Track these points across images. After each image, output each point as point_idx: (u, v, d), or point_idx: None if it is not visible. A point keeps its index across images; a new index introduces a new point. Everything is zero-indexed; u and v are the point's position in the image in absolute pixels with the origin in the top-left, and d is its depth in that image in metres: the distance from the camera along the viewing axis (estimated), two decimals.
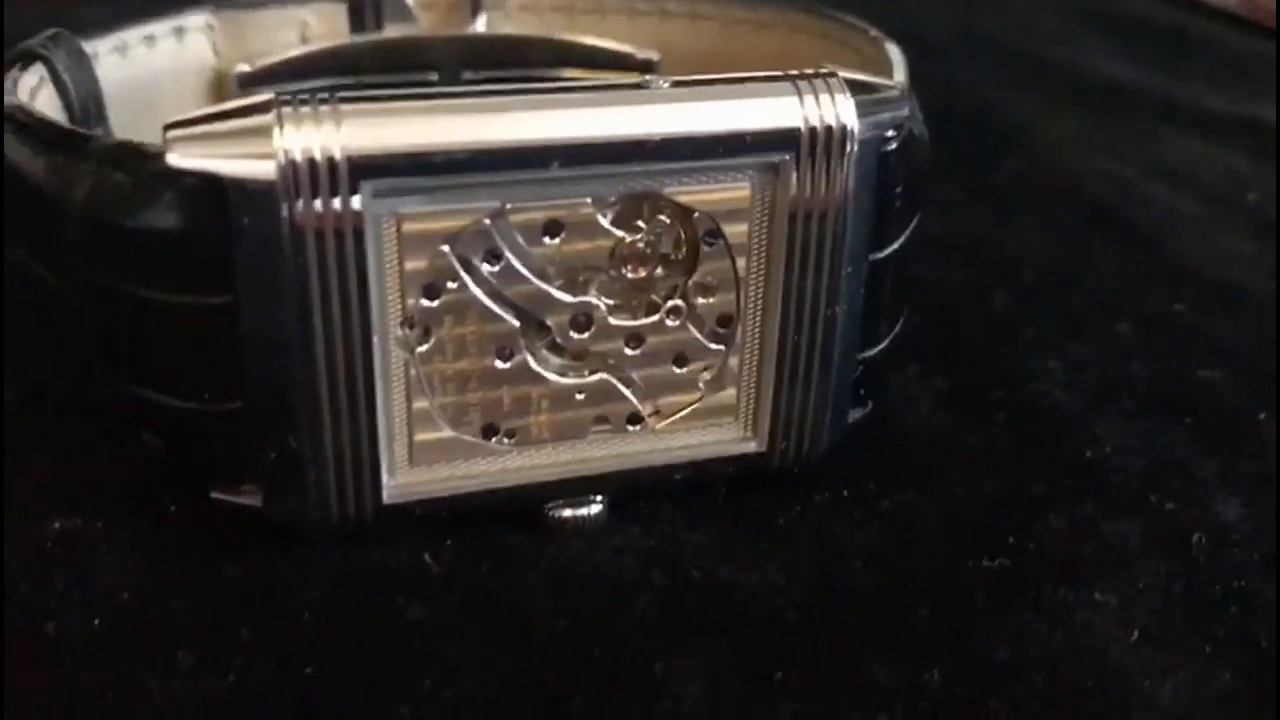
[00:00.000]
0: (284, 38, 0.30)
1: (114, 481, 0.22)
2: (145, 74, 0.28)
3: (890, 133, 0.21)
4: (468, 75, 0.31)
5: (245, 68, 0.29)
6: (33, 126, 0.21)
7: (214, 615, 0.20)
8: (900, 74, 0.25)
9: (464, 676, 0.19)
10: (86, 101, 0.25)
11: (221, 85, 0.29)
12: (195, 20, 0.29)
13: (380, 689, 0.19)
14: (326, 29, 0.30)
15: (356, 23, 0.30)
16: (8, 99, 0.22)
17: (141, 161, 0.19)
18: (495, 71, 0.31)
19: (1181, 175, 0.38)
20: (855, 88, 0.21)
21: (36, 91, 0.24)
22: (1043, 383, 0.27)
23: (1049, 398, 0.27)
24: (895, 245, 0.23)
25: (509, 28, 0.31)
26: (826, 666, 0.20)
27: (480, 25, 0.31)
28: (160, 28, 0.28)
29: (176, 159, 0.18)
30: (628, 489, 0.22)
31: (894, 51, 0.26)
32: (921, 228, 0.25)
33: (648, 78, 0.20)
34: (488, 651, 0.19)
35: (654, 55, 0.31)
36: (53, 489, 0.22)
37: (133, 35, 0.27)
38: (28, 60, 0.24)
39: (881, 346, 0.24)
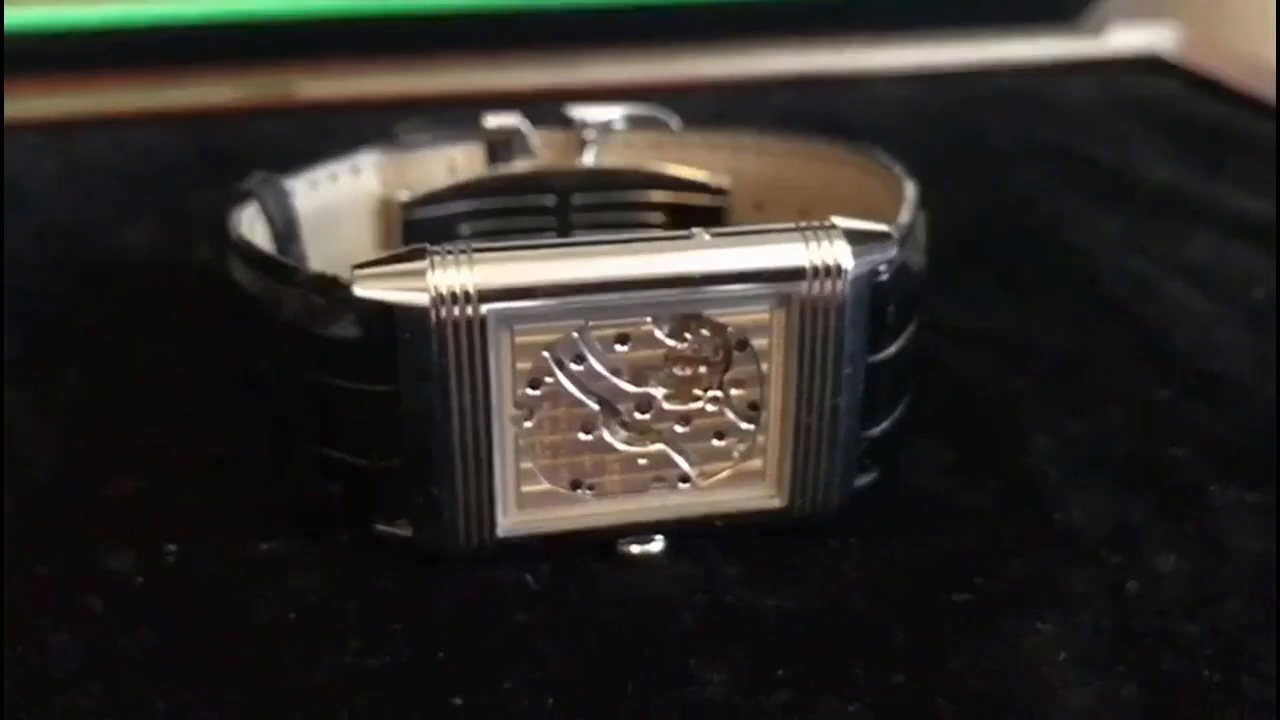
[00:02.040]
0: (436, 171, 0.38)
1: (305, 517, 0.30)
2: (330, 203, 0.36)
3: (882, 267, 0.28)
4: (577, 198, 0.38)
5: (406, 195, 0.37)
6: (254, 256, 0.29)
7: (375, 615, 0.27)
8: (906, 213, 0.31)
9: (551, 664, 0.26)
10: (287, 226, 0.34)
11: (388, 209, 0.37)
12: (367, 159, 0.37)
13: (491, 670, 0.26)
14: (469, 163, 0.38)
15: (492, 158, 0.38)
16: (233, 232, 0.30)
17: (335, 289, 0.27)
18: (598, 194, 0.38)
19: (1197, 273, 0.43)
20: (852, 235, 0.28)
21: (252, 222, 0.33)
22: (1035, 457, 0.34)
23: (1037, 469, 0.33)
24: (891, 350, 0.29)
25: (611, 159, 0.39)
26: (818, 667, 0.26)
27: (588, 158, 0.39)
28: (341, 167, 0.36)
29: (360, 290, 0.26)
30: (680, 532, 0.29)
31: (909, 188, 0.33)
32: (949, 322, 0.32)
33: (694, 230, 0.27)
34: (568, 647, 0.27)
35: (725, 181, 0.38)
36: (260, 520, 0.30)
37: (321, 173, 0.36)
38: (244, 198, 0.33)
39: (883, 426, 0.30)
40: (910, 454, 0.33)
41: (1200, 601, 0.29)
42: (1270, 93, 0.58)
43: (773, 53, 0.62)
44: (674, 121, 0.39)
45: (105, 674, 0.25)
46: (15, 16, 0.51)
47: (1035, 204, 0.48)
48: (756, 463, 0.29)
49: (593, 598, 0.28)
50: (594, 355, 0.27)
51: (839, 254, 0.27)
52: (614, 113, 0.38)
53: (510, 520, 0.28)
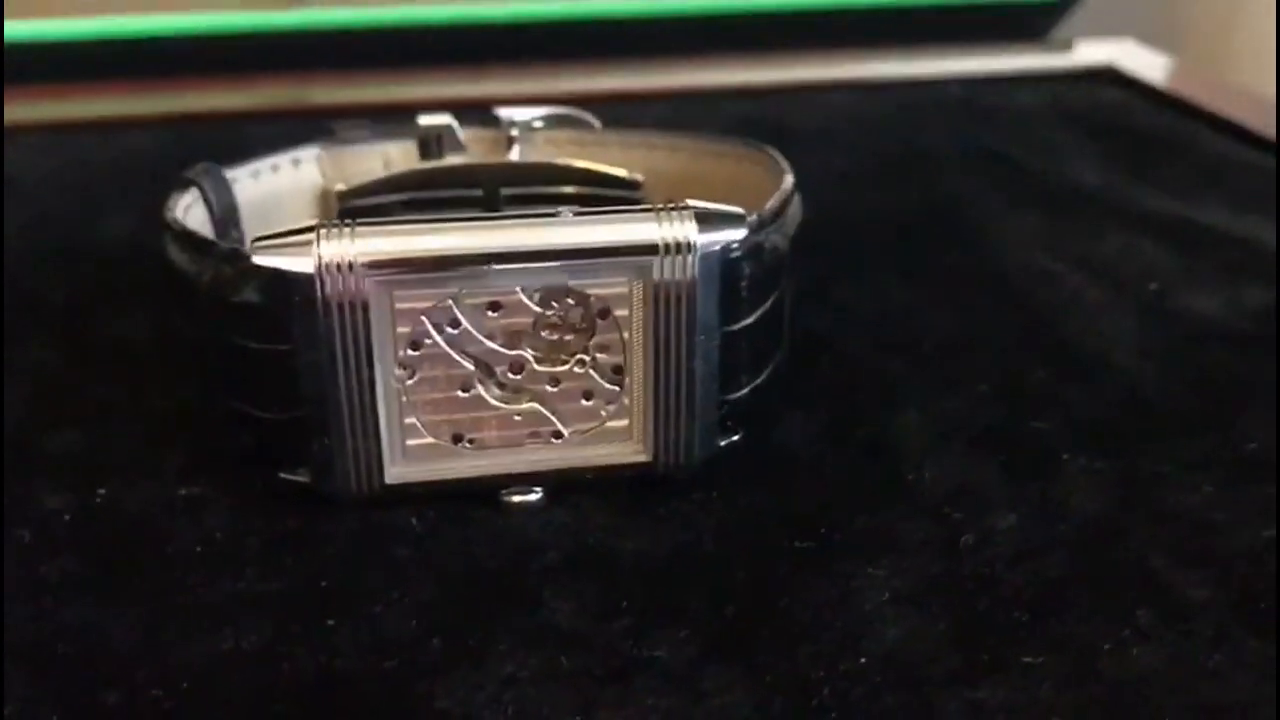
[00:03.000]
0: (371, 165, 0.41)
1: (225, 467, 0.33)
2: (271, 192, 0.40)
3: (734, 245, 0.31)
4: (504, 191, 0.42)
5: (342, 187, 0.41)
6: (181, 235, 0.33)
7: (272, 549, 0.31)
8: (775, 200, 0.34)
9: (420, 592, 0.30)
10: (226, 214, 0.38)
11: (326, 199, 0.41)
12: (308, 153, 0.41)
13: (366, 598, 0.29)
14: (403, 158, 0.42)
15: (425, 153, 0.42)
16: (167, 215, 0.34)
17: (240, 260, 0.30)
18: (522, 187, 0.42)
19: (1100, 268, 0.46)
20: (702, 216, 0.31)
21: (190, 208, 0.36)
22: (900, 427, 0.36)
23: (899, 438, 0.36)
24: (747, 321, 0.32)
25: (535, 156, 0.42)
26: (659, 601, 0.29)
27: (514, 155, 0.42)
28: (282, 159, 0.40)
29: (258, 259, 0.30)
30: (555, 484, 0.32)
31: (787, 180, 0.36)
32: (844, 309, 0.35)
33: (559, 209, 0.31)
34: (440, 579, 0.30)
35: (639, 177, 0.42)
36: (186, 469, 0.34)
37: (263, 165, 0.39)
38: (185, 185, 0.36)
39: (744, 392, 0.33)
40: (782, 422, 0.36)
41: (1027, 554, 0.31)
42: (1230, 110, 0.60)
43: (731, 64, 0.65)
44: (594, 122, 0.42)
45: (24, 595, 0.29)
46: (21, 28, 0.55)
47: (958, 205, 0.51)
48: (623, 421, 0.32)
49: (468, 539, 0.31)
50: (468, 320, 0.31)
51: (688, 232, 0.30)
52: (536, 113, 0.42)
53: (398, 470, 0.32)
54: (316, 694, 0.27)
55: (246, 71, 0.60)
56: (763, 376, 0.34)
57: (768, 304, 0.33)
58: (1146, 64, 0.68)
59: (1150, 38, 0.73)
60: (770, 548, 0.31)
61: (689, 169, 0.42)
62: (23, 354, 0.38)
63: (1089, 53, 0.70)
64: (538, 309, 0.31)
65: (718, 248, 0.31)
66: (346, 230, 0.30)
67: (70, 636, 0.28)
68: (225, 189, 0.38)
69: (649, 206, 0.31)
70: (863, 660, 0.28)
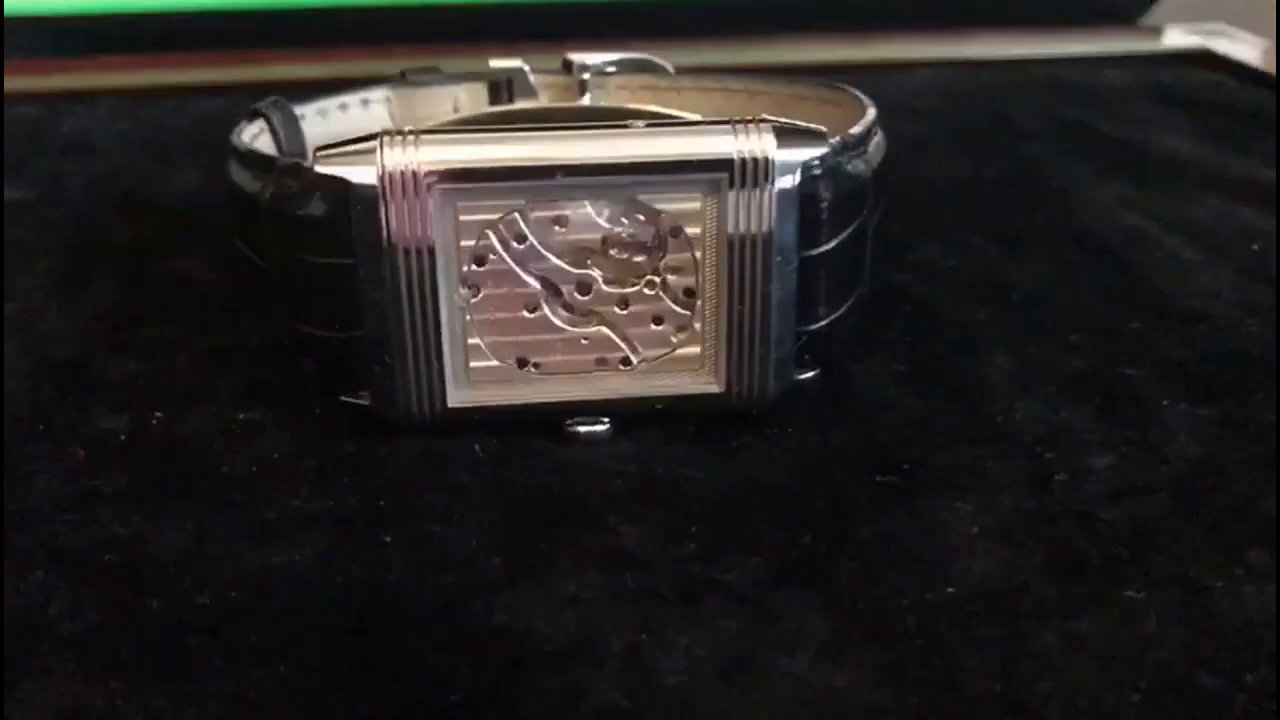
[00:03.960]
0: (442, 107, 0.41)
1: (287, 392, 0.32)
2: (338, 131, 0.39)
3: (815, 163, 0.30)
4: None
5: (410, 129, 0.40)
6: (244, 154, 0.32)
7: (329, 471, 0.30)
8: (858, 127, 0.33)
9: (481, 514, 0.28)
10: (292, 148, 0.37)
11: None
12: (378, 94, 0.40)
13: (424, 517, 0.28)
14: (472, 101, 0.41)
15: (495, 97, 0.41)
16: (233, 140, 0.33)
17: (301, 172, 0.29)
18: None
19: (1197, 230, 0.44)
20: (781, 131, 0.29)
21: (257, 137, 0.36)
22: (989, 371, 0.35)
23: (986, 380, 0.34)
24: (826, 247, 0.31)
25: (607, 102, 0.41)
26: (728, 528, 0.28)
27: (586, 100, 0.41)
28: (352, 99, 0.39)
29: (320, 169, 0.29)
30: (623, 414, 0.31)
31: (870, 112, 0.35)
32: (930, 264, 0.35)
33: (631, 121, 0.30)
34: (502, 502, 0.29)
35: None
36: (245, 394, 0.33)
37: (331, 103, 0.39)
38: (254, 116, 0.36)
39: (823, 324, 0.32)
40: (864, 364, 0.35)
41: (1126, 493, 0.29)
42: None
43: (813, 42, 0.63)
44: (669, 66, 0.41)
45: (77, 507, 0.28)
46: (91, 1, 0.56)
47: (1044, 172, 0.49)
48: (694, 349, 0.31)
49: (532, 466, 0.30)
50: (535, 235, 0.29)
51: (766, 147, 0.29)
52: (609, 57, 0.41)
53: (461, 394, 0.30)
54: (368, 606, 0.25)
55: (326, 44, 0.59)
56: (843, 309, 0.32)
57: (849, 230, 0.32)
58: (1239, 46, 0.66)
59: (1241, 22, 0.70)
60: (849, 481, 0.30)
61: (770, 111, 0.39)
62: (83, 291, 0.38)
63: (1181, 36, 0.68)
64: (606, 225, 0.29)
65: (797, 165, 0.29)
66: (411, 140, 0.29)
67: (118, 545, 0.27)
68: (293, 124, 0.37)
69: (725, 120, 0.30)
70: (950, 590, 0.26)
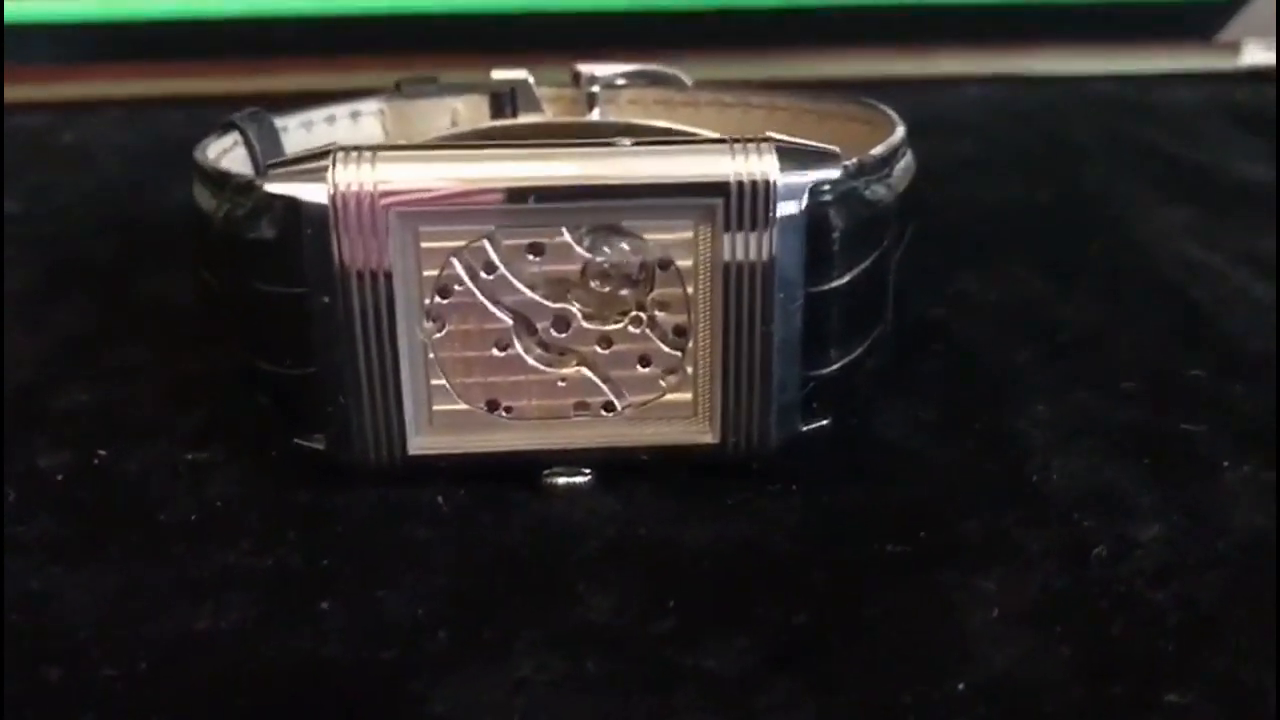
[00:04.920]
0: (440, 121, 0.38)
1: (244, 431, 0.30)
2: (323, 144, 0.36)
3: (825, 187, 0.26)
4: None
5: (404, 143, 0.37)
6: (203, 171, 0.30)
7: (274, 522, 0.27)
8: (880, 148, 0.29)
9: (435, 579, 0.25)
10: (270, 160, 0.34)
11: None
12: (370, 106, 0.37)
13: (370, 580, 0.25)
14: (472, 115, 0.38)
15: (496, 110, 0.38)
16: (196, 154, 0.31)
17: (252, 190, 0.27)
18: None
19: (1268, 264, 0.40)
20: (785, 151, 0.26)
21: (229, 151, 0.33)
22: (1026, 422, 0.31)
23: (1023, 433, 0.30)
24: (838, 282, 0.27)
25: (616, 117, 0.38)
26: (713, 602, 0.24)
27: (595, 115, 0.38)
28: (340, 110, 0.37)
29: (270, 187, 0.26)
30: (603, 464, 0.28)
31: (899, 131, 0.31)
32: (971, 297, 0.32)
33: (617, 138, 0.26)
34: (461, 565, 0.25)
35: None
36: (200, 432, 0.30)
37: (317, 115, 0.36)
38: (227, 128, 0.33)
39: (834, 368, 0.28)
40: (886, 412, 0.31)
41: (1175, 571, 0.26)
42: None
43: (876, 54, 0.60)
44: (686, 79, 0.38)
45: (13, 559, 0.26)
46: (99, 7, 0.54)
47: (1103, 197, 0.45)
48: (686, 394, 0.27)
49: (500, 523, 0.27)
50: (506, 264, 0.26)
51: (767, 168, 0.26)
52: (620, 69, 0.38)
53: (424, 440, 0.27)
54: (290, 684, 0.22)
55: (341, 54, 0.57)
56: (857, 352, 0.29)
57: (866, 264, 0.28)
58: None
59: None
60: (857, 550, 0.26)
61: (790, 129, 0.36)
62: (51, 314, 0.35)
63: (1260, 52, 0.63)
64: (586, 254, 0.26)
65: (804, 190, 0.26)
66: (367, 155, 0.26)
67: (27, 603, 0.24)
68: (272, 136, 0.34)
69: (723, 138, 0.26)
70: (961, 687, 0.23)
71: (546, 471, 0.28)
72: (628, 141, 0.26)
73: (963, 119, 0.53)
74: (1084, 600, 0.25)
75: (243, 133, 0.33)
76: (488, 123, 0.38)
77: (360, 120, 0.37)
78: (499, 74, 0.38)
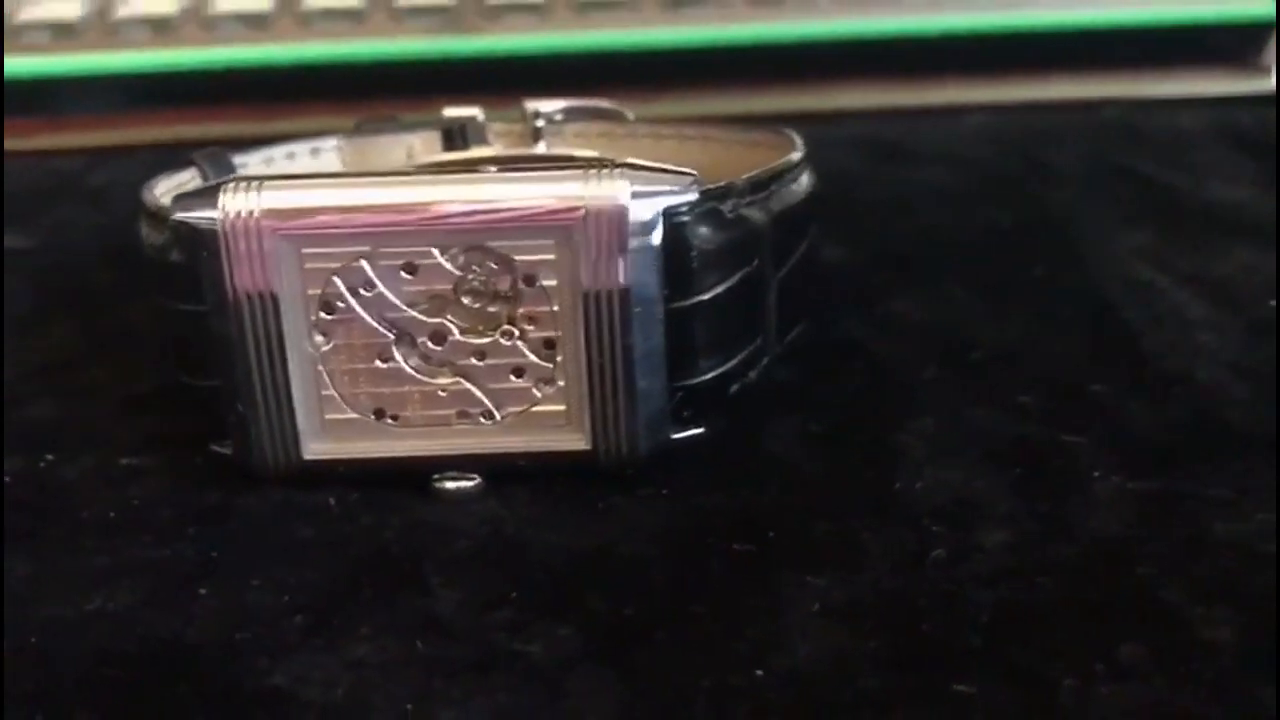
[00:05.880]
0: (396, 155, 0.40)
1: (172, 440, 0.32)
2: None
3: (680, 208, 0.28)
4: None
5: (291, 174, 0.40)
6: (141, 204, 0.33)
7: (180, 520, 0.29)
8: (756, 171, 0.31)
9: (307, 571, 0.27)
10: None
11: None
12: (329, 143, 0.40)
13: (249, 572, 0.27)
14: (426, 149, 0.40)
15: (449, 145, 0.40)
16: (142, 191, 0.34)
17: (166, 219, 0.29)
18: None
19: (1214, 284, 0.40)
20: (637, 175, 0.28)
21: (184, 187, 0.36)
22: (911, 436, 0.32)
23: (903, 446, 0.31)
24: (701, 298, 0.29)
25: (562, 148, 0.40)
26: (552, 596, 0.26)
27: (540, 148, 0.40)
28: (300, 147, 0.40)
29: (176, 215, 0.29)
30: (486, 470, 0.30)
31: (789, 157, 0.33)
32: (896, 316, 0.36)
33: (485, 167, 0.28)
34: (335, 559, 0.28)
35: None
36: (141, 442, 0.33)
37: (278, 152, 0.39)
38: (184, 165, 0.36)
39: (704, 378, 0.30)
40: (779, 422, 0.32)
41: (1007, 574, 0.26)
42: None
43: (875, 86, 0.61)
44: (627, 114, 0.40)
45: None
46: (145, 58, 0.58)
47: (1065, 220, 0.46)
48: (560, 405, 0.29)
49: (383, 524, 0.29)
50: (384, 282, 0.29)
51: (618, 192, 0.28)
52: (561, 105, 0.40)
53: (318, 446, 0.30)
54: (155, 658, 0.25)
55: (346, 98, 0.60)
56: (731, 364, 0.30)
57: (732, 281, 0.30)
58: None
59: None
60: (705, 550, 0.28)
61: (721, 159, 0.38)
62: (39, 337, 0.39)
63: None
64: (458, 272, 0.28)
65: (655, 211, 0.28)
66: (255, 185, 0.28)
67: None
68: (229, 172, 0.37)
69: (578, 164, 0.28)
70: (759, 673, 0.24)
71: (436, 476, 0.30)
72: (493, 170, 0.28)
73: (949, 148, 0.54)
74: (906, 599, 0.26)
75: (200, 170, 0.37)
76: (440, 155, 0.40)
77: (320, 155, 0.40)
78: (451, 111, 0.40)
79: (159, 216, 0.30)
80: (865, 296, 0.40)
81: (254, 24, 0.60)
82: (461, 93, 0.58)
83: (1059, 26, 0.60)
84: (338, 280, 0.28)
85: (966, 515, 0.28)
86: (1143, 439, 0.31)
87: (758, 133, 0.38)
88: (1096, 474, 0.30)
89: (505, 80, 0.60)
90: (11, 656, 0.25)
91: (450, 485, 0.30)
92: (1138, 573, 0.26)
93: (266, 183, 0.28)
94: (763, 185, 0.31)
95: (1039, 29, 0.60)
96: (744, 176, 0.30)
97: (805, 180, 0.33)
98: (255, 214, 0.28)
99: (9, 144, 0.57)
